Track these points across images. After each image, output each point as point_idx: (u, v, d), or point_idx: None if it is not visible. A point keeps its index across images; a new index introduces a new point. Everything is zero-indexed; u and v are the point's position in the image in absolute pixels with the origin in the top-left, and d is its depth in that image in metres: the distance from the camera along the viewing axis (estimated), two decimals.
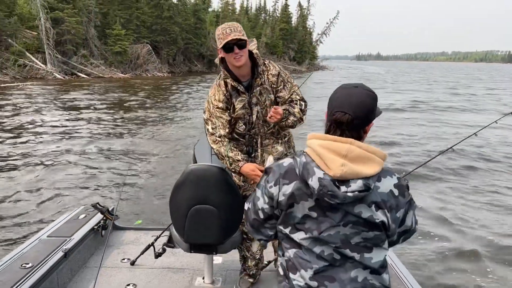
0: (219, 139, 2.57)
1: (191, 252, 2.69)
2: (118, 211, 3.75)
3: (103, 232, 3.50)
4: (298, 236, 1.50)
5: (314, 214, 1.47)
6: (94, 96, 21.00)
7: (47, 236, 3.11)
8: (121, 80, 33.11)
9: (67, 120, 13.64)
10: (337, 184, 1.40)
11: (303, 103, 2.62)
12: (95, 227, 3.41)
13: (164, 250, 3.12)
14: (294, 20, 72.01)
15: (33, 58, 31.60)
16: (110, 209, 3.54)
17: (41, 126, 12.53)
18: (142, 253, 3.22)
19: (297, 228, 1.50)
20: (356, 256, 1.47)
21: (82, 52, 35.28)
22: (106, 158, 8.99)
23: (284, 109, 2.50)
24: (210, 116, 2.60)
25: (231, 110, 2.60)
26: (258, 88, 2.58)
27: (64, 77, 31.88)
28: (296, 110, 2.57)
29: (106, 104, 18.15)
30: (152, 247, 3.16)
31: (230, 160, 2.53)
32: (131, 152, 9.56)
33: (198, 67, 49.48)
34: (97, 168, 8.15)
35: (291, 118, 2.54)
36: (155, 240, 3.19)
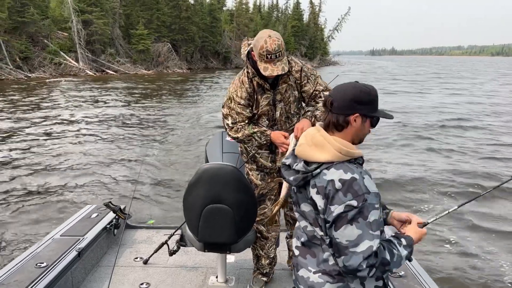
0: (240, 126, 2.62)
1: (204, 251, 2.68)
2: (130, 210, 3.71)
3: (115, 231, 3.51)
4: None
5: (296, 189, 1.63)
6: (118, 91, 22.51)
7: (60, 236, 3.13)
8: (145, 75, 36.17)
9: (86, 116, 14.04)
10: (294, 161, 1.59)
11: (326, 93, 2.59)
12: (108, 226, 3.40)
13: (178, 248, 3.13)
14: (305, 17, 74.34)
15: (66, 57, 34.91)
16: (122, 208, 3.55)
17: (63, 122, 13.05)
18: (156, 251, 3.21)
19: None
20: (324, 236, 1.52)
21: (109, 51, 38.53)
22: (119, 155, 9.03)
23: (309, 115, 2.64)
24: (230, 112, 2.63)
25: (253, 107, 2.64)
26: (283, 86, 2.61)
27: (95, 74, 35.18)
28: (320, 105, 2.62)
29: (128, 99, 19.04)
30: (164, 246, 3.16)
31: (258, 133, 2.59)
32: (145, 150, 9.58)
33: (214, 64, 52.36)
34: (109, 166, 8.22)
35: (318, 114, 2.62)
36: (169, 238, 3.18)
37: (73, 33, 35.82)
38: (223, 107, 2.69)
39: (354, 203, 1.40)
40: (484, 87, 29.57)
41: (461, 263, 4.72)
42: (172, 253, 3.10)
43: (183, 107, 17.16)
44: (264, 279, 2.98)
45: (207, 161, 3.06)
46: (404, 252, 1.49)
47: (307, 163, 1.53)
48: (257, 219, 2.76)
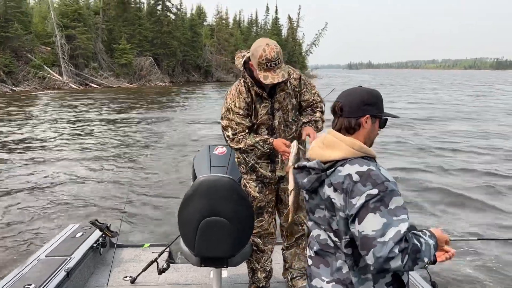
0: (241, 137, 2.59)
1: (201, 266, 2.63)
2: (115, 228, 3.63)
3: (102, 250, 3.45)
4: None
5: (308, 197, 1.64)
6: (100, 105, 22.82)
7: (46, 256, 3.06)
8: (127, 89, 36.99)
9: (70, 132, 13.82)
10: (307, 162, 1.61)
11: (322, 105, 2.75)
12: (94, 245, 3.34)
13: (168, 266, 3.05)
14: (284, 32, 76.39)
15: (50, 71, 35.54)
16: (108, 226, 3.45)
17: (46, 136, 13.00)
18: (144, 270, 3.14)
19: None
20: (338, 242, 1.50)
21: (92, 65, 39.28)
22: (102, 172, 8.85)
23: (312, 124, 2.66)
24: (229, 123, 2.61)
25: (252, 117, 2.62)
26: (282, 94, 2.62)
27: (78, 87, 35.89)
28: (318, 115, 2.70)
29: (110, 113, 19.22)
30: (154, 264, 3.08)
31: (261, 142, 2.56)
32: (131, 166, 9.40)
33: (195, 77, 53.45)
34: (94, 183, 7.99)
35: (320, 124, 2.68)
36: (159, 256, 3.12)
37: (56, 48, 36.51)
38: (221, 119, 2.68)
39: (374, 191, 1.39)
40: (439, 96, 31.71)
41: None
42: (161, 271, 3.02)
43: (167, 119, 17.51)
44: None
45: (194, 175, 2.95)
46: (431, 241, 1.46)
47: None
48: (254, 231, 2.74)
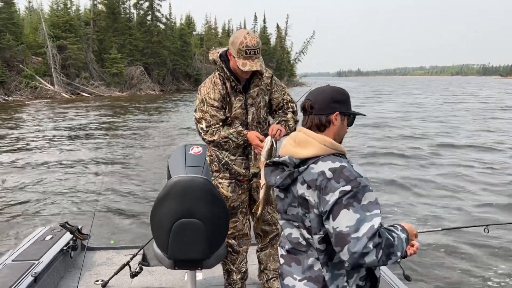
0: (215, 129, 2.57)
1: (175, 269, 2.57)
2: (87, 230, 3.50)
3: (73, 253, 3.33)
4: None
5: (281, 195, 1.65)
6: (87, 112, 23.29)
7: (12, 261, 2.95)
8: (118, 98, 37.59)
9: (48, 135, 13.99)
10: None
11: (294, 105, 2.76)
12: (64, 248, 3.24)
13: (141, 269, 2.96)
14: (272, 40, 77.63)
15: (42, 81, 36.09)
16: (80, 228, 3.35)
17: (28, 140, 13.20)
18: (116, 273, 3.02)
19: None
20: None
21: (83, 75, 39.89)
22: (75, 175, 8.64)
23: (282, 124, 2.66)
24: (203, 115, 2.59)
25: (226, 110, 2.61)
26: (255, 89, 2.64)
27: (70, 96, 36.44)
28: (290, 116, 2.71)
29: (97, 119, 19.45)
30: (126, 267, 2.97)
31: (235, 134, 2.57)
32: (105, 168, 9.28)
33: (185, 86, 54.18)
34: (66, 185, 7.79)
35: (291, 123, 2.69)
36: (131, 259, 3.02)
37: (48, 58, 37.09)
38: (195, 111, 2.67)
39: (347, 187, 1.41)
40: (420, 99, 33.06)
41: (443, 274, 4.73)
42: (134, 274, 2.91)
43: (152, 123, 17.83)
44: None
45: (169, 176, 2.91)
46: (403, 235, 1.50)
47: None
48: (228, 232, 2.69)
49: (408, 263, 4.55)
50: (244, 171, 2.73)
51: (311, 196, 1.49)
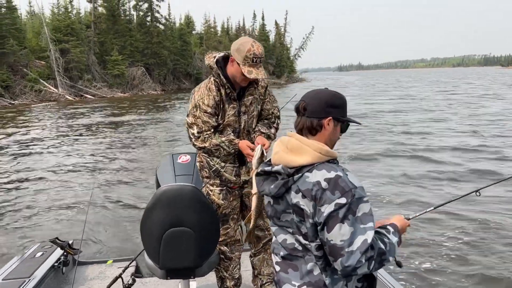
0: (207, 135, 2.55)
1: (167, 279, 2.56)
2: (77, 244, 3.47)
3: (64, 269, 3.27)
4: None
5: (273, 202, 1.61)
6: (91, 113, 23.26)
7: (3, 280, 2.90)
8: (121, 98, 38.34)
9: (37, 144, 13.46)
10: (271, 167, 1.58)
11: (279, 122, 2.82)
12: (56, 264, 3.19)
13: (134, 281, 2.88)
14: (272, 37, 78.08)
15: (46, 84, 36.94)
16: (70, 243, 3.33)
17: (24, 144, 13.02)
18: (109, 286, 2.92)
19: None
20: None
21: (86, 77, 40.73)
22: (63, 188, 8.30)
23: (268, 137, 2.70)
24: (195, 120, 2.57)
25: (219, 116, 2.59)
26: (250, 98, 2.64)
27: (74, 98, 37.27)
28: (273, 131, 2.76)
29: (99, 123, 18.96)
30: (119, 280, 2.87)
31: (226, 142, 2.56)
32: (94, 179, 8.95)
33: (186, 85, 54.81)
34: (55, 197, 7.53)
35: (270, 141, 2.69)
36: (123, 271, 2.93)
37: (51, 61, 37.93)
38: (187, 115, 2.64)
39: (343, 200, 1.40)
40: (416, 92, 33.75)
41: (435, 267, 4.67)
42: (127, 287, 2.86)
43: (151, 126, 17.66)
44: None
45: (158, 186, 2.91)
46: (394, 239, 1.53)
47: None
48: (220, 239, 2.70)
49: (400, 249, 4.80)
50: (234, 178, 2.72)
51: (306, 206, 1.48)
